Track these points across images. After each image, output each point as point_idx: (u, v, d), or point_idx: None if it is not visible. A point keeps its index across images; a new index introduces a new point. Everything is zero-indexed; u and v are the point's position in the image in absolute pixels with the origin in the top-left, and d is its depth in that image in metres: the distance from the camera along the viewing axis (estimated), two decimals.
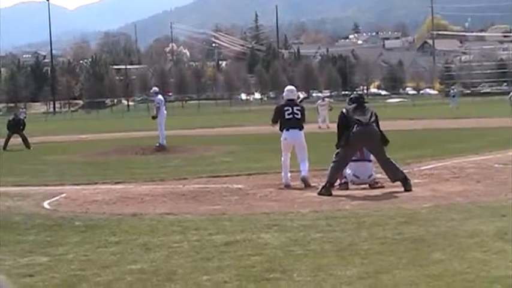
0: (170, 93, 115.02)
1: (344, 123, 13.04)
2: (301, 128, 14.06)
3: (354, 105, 13.28)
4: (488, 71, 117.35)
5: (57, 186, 15.18)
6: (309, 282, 6.52)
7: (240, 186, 14.04)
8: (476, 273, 6.55)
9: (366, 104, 13.56)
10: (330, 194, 12.35)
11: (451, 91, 71.03)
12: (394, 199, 11.68)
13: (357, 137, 12.81)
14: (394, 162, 13.08)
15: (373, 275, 6.63)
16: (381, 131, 13.09)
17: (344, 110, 13.27)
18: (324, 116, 38.52)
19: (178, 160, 21.09)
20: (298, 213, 10.40)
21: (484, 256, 7.20)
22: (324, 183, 12.73)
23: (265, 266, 7.11)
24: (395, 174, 12.87)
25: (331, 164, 13.04)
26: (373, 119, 13.04)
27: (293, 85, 15.83)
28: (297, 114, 14.00)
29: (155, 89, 25.95)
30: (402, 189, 12.56)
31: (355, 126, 12.82)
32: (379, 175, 13.58)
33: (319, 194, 12.44)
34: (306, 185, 13.61)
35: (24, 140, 30.06)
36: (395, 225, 9.03)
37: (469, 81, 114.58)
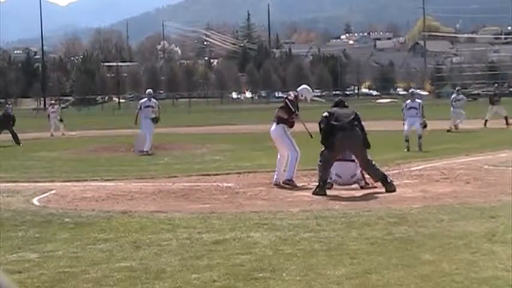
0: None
1: (327, 127, 13.02)
2: (277, 122, 14.19)
3: (336, 108, 13.32)
4: (479, 73, 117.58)
5: (46, 182, 15.14)
6: (298, 281, 6.52)
7: (230, 184, 14.04)
8: (465, 274, 6.57)
9: (348, 107, 13.61)
10: (325, 194, 12.34)
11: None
12: (384, 199, 11.70)
13: (341, 142, 12.84)
14: (374, 163, 13.05)
15: (362, 275, 6.64)
16: (364, 134, 13.07)
17: (326, 114, 13.26)
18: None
19: (168, 158, 21.07)
20: (288, 212, 10.40)
21: (472, 257, 7.22)
22: (317, 183, 12.72)
23: (255, 265, 7.11)
24: (376, 174, 12.88)
25: (319, 164, 13.04)
26: (355, 122, 13.04)
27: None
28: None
29: (150, 91, 25.30)
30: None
31: (339, 131, 12.83)
32: (368, 176, 13.60)
33: (314, 193, 12.41)
34: (292, 186, 13.58)
35: (14, 136, 29.98)
36: (385, 226, 9.04)
37: (459, 82, 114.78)
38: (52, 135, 36.85)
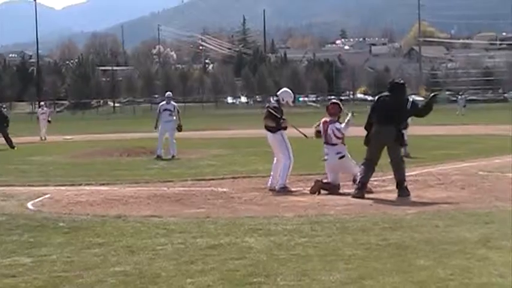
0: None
1: (369, 115, 13.01)
2: (271, 130, 14.07)
3: (387, 93, 13.03)
4: (474, 79, 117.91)
5: (41, 187, 15.10)
6: (293, 286, 6.52)
7: (224, 189, 14.02)
8: (459, 280, 6.57)
9: (404, 93, 13.21)
10: (363, 196, 12.36)
11: (459, 98, 69.71)
12: (379, 205, 11.69)
13: (375, 137, 12.80)
14: (403, 166, 12.95)
15: (357, 280, 6.64)
16: (398, 131, 12.82)
17: (377, 98, 13.27)
18: None
19: (163, 162, 21.05)
20: (282, 217, 10.38)
21: (467, 263, 7.22)
22: (357, 185, 12.69)
23: (249, 270, 7.10)
24: (399, 175, 12.75)
25: (362, 166, 12.95)
26: (396, 114, 12.70)
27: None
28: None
29: (169, 93, 24.26)
30: (388, 195, 12.62)
31: (374, 124, 12.80)
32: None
33: (353, 197, 12.37)
34: (286, 192, 13.53)
35: (8, 139, 29.89)
36: (380, 231, 9.04)
37: (454, 88, 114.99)
38: (45, 138, 36.76)
